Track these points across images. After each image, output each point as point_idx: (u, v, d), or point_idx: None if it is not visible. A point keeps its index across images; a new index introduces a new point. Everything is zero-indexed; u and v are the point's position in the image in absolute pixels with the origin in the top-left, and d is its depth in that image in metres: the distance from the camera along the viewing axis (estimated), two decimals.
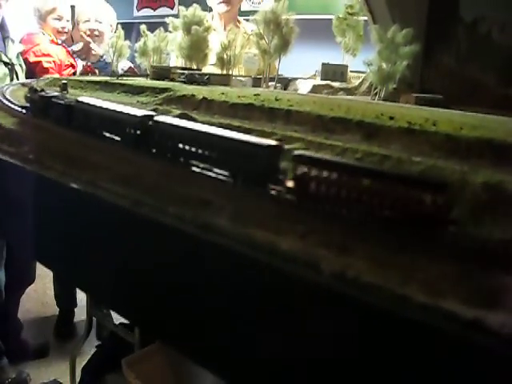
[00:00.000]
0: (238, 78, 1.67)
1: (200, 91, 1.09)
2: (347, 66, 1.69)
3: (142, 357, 1.42)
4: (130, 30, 2.12)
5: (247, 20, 2.42)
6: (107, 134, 0.84)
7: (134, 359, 1.42)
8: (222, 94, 1.05)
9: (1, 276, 2.17)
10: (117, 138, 0.82)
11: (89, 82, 1.43)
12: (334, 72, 1.63)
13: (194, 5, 1.66)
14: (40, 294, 2.88)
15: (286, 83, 1.75)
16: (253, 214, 0.55)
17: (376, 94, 1.26)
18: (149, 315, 0.69)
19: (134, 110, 0.82)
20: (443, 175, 0.58)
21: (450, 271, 0.42)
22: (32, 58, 2.38)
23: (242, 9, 3.12)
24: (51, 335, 2.60)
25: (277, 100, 0.96)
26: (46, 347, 2.47)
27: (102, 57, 2.62)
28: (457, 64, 1.41)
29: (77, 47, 2.63)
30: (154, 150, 0.75)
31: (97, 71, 2.47)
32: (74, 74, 2.46)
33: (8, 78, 2.14)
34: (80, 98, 0.92)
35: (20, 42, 2.39)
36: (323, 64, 1.67)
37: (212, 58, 1.64)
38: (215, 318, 0.57)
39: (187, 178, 0.68)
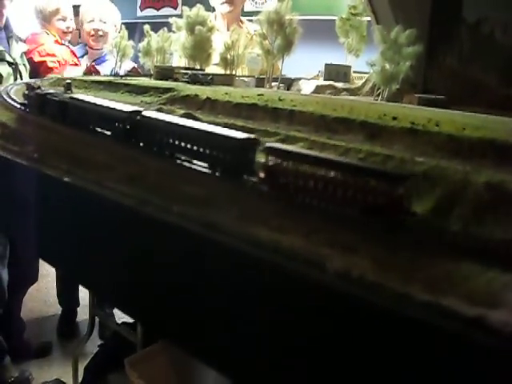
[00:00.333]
0: (242, 78, 1.67)
1: (203, 91, 1.09)
2: (350, 67, 1.69)
3: (145, 356, 1.42)
4: (133, 30, 2.12)
5: (250, 20, 2.42)
6: (99, 129, 0.88)
7: (137, 359, 1.41)
8: (226, 94, 1.06)
9: (4, 275, 2.17)
10: (107, 133, 0.86)
11: (93, 81, 1.44)
12: (337, 72, 1.64)
13: (198, 5, 1.66)
14: (43, 293, 2.89)
15: (289, 83, 1.75)
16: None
17: (379, 94, 1.26)
18: (152, 313, 0.70)
19: (122, 105, 0.86)
20: (407, 168, 0.60)
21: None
22: (37, 58, 2.39)
23: (245, 9, 3.12)
24: (54, 334, 2.60)
25: (280, 100, 0.97)
26: (49, 346, 2.47)
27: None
28: (460, 64, 1.41)
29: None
30: (142, 144, 0.79)
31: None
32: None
33: (12, 78, 2.14)
34: (73, 95, 0.95)
35: (24, 42, 2.40)
36: (326, 64, 1.67)
37: (215, 58, 1.64)
38: (218, 315, 0.57)
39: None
